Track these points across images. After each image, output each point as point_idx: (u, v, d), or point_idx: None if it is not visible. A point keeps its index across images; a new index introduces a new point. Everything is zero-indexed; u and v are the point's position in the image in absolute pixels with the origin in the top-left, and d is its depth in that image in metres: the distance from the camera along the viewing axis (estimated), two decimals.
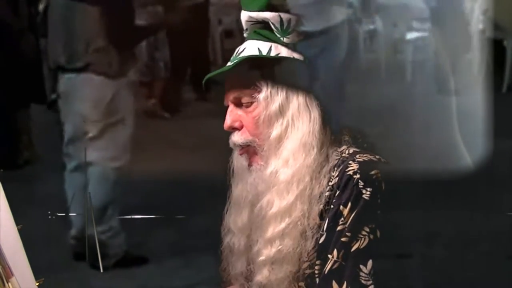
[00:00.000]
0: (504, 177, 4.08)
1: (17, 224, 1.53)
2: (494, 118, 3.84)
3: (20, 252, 1.53)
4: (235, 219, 1.76)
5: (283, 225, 1.64)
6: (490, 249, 3.68)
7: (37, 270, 1.56)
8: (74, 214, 3.97)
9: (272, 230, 1.64)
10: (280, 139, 1.66)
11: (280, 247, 1.64)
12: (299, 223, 1.63)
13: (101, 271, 2.07)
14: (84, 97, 3.92)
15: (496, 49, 4.01)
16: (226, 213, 1.79)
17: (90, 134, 3.92)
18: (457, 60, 3.88)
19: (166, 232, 4.06)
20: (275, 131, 1.66)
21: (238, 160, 1.78)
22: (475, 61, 3.87)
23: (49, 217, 2.79)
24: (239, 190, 1.76)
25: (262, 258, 1.66)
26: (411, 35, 4.75)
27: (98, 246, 2.40)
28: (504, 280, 3.33)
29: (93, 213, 2.88)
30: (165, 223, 4.07)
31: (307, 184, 1.64)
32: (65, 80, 3.95)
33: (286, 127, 1.66)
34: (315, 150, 1.65)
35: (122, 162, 3.97)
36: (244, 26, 1.73)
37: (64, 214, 2.68)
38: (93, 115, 3.91)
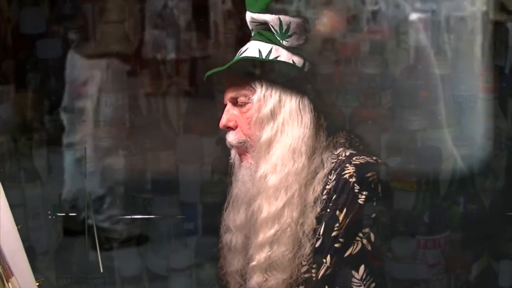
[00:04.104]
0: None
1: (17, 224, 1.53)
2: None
3: (20, 252, 1.54)
4: (234, 217, 1.78)
5: (272, 231, 1.66)
6: None
7: None
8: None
9: (263, 235, 1.67)
10: (269, 143, 1.68)
11: (269, 253, 1.66)
12: (288, 229, 1.65)
13: (101, 270, 2.07)
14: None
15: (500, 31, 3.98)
16: (225, 210, 1.79)
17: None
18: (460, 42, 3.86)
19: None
20: (265, 134, 1.68)
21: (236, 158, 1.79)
22: (478, 43, 3.85)
23: (49, 217, 2.81)
24: (237, 188, 1.76)
25: (253, 263, 1.69)
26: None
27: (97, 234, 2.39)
28: None
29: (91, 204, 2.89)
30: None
31: (295, 192, 1.66)
32: None
33: (276, 132, 1.68)
34: (304, 157, 1.66)
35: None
36: (250, 27, 1.72)
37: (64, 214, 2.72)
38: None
